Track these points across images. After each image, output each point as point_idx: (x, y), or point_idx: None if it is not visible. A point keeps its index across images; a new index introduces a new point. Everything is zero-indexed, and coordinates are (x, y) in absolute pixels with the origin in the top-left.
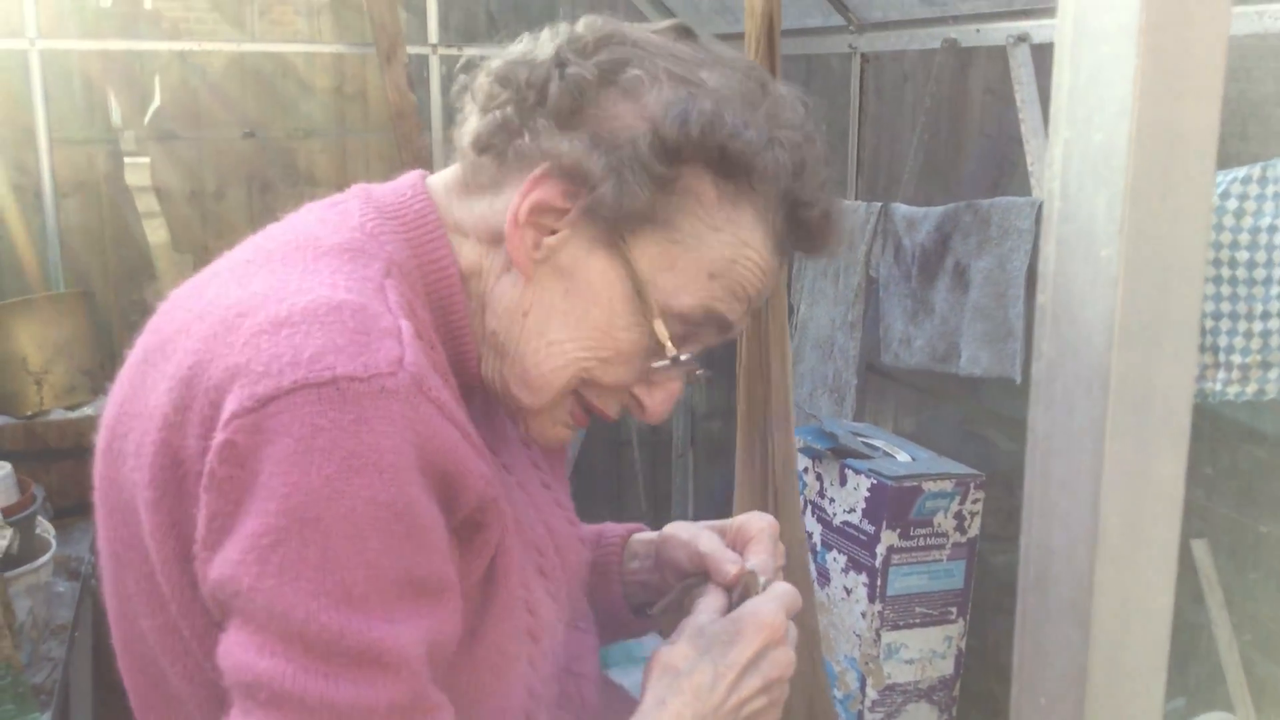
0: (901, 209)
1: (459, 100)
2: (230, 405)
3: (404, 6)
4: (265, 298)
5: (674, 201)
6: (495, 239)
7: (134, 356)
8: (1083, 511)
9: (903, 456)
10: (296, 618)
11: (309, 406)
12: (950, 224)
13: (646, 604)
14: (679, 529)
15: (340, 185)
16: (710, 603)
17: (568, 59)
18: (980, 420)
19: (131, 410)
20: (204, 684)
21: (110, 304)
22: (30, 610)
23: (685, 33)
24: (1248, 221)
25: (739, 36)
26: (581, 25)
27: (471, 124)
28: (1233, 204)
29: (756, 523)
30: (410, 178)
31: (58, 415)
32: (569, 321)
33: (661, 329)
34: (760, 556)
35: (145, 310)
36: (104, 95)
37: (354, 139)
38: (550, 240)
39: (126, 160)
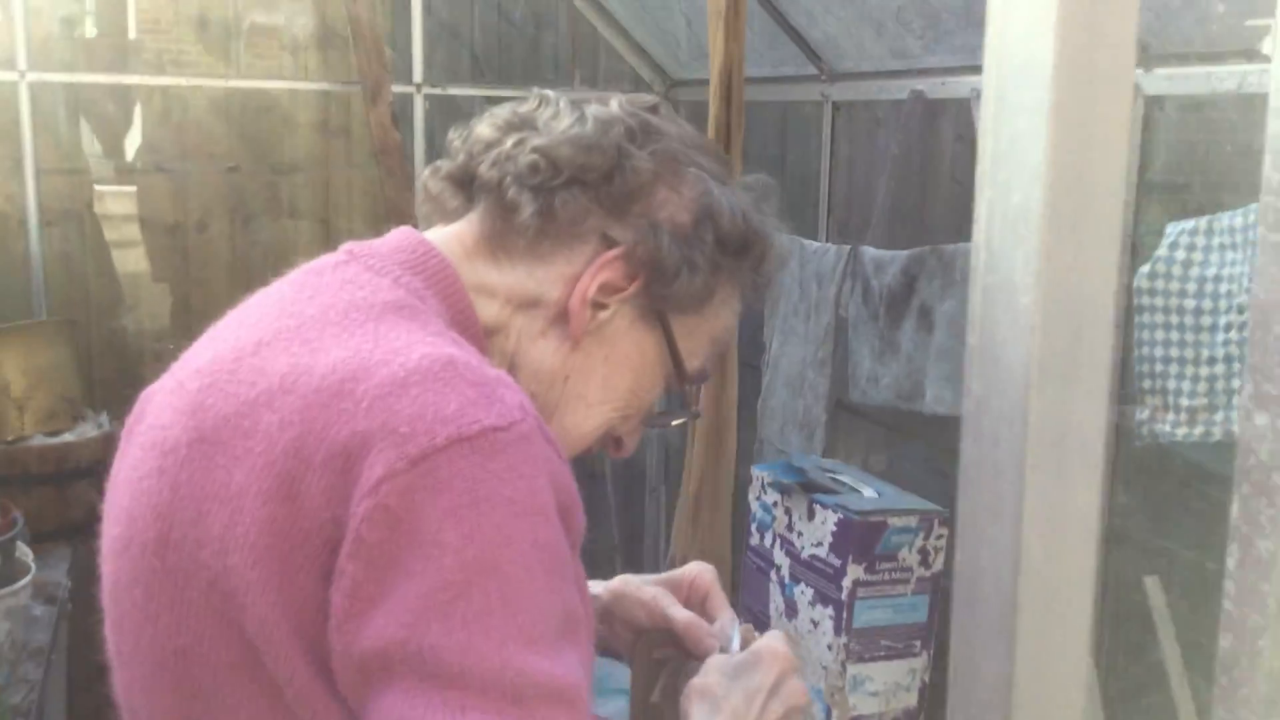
0: (870, 251)
1: (473, 158)
2: (376, 470)
3: (389, 45)
4: (365, 360)
5: (713, 284)
6: (529, 303)
7: (176, 437)
8: (1007, 535)
9: (869, 492)
10: (491, 666)
11: (464, 460)
12: (916, 267)
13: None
14: (631, 587)
15: (323, 219)
16: (718, 655)
17: (629, 151)
18: (945, 458)
19: (199, 494)
20: None
21: (93, 332)
22: (8, 632)
23: (656, 109)
24: (1195, 271)
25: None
26: (617, 106)
27: (526, 199)
28: (1181, 254)
29: (706, 575)
30: (406, 235)
31: (38, 441)
32: (607, 385)
33: (690, 391)
34: (728, 611)
35: (126, 338)
36: (88, 127)
37: (337, 174)
38: (603, 314)
39: (98, 188)
